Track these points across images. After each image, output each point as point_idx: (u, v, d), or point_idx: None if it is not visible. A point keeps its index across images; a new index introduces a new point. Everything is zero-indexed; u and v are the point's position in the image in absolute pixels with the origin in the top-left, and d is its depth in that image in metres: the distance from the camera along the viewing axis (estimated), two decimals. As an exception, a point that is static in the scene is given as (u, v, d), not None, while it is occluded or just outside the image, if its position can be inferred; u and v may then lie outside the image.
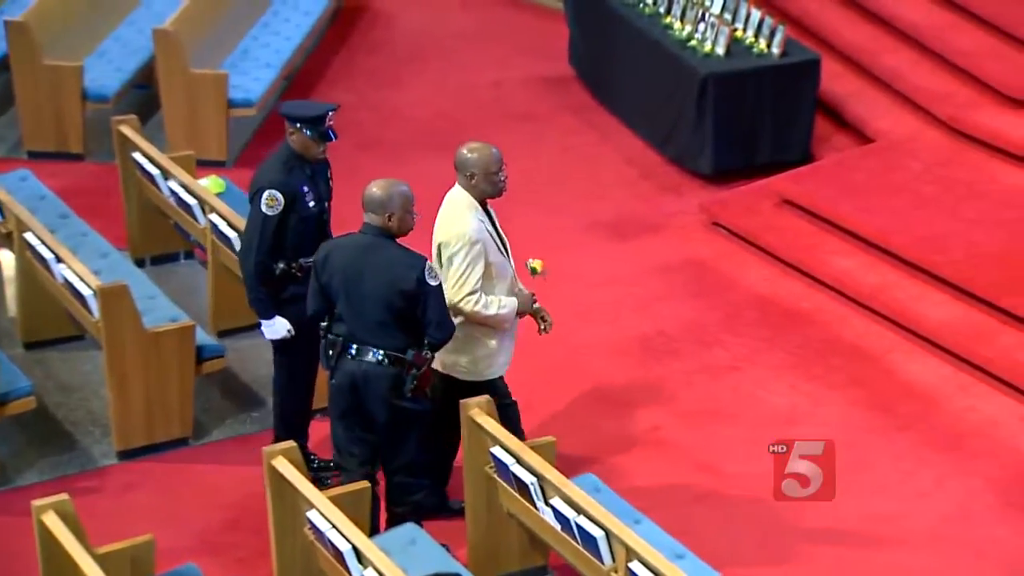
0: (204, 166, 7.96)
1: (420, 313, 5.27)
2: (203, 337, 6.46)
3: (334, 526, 4.80)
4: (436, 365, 5.53)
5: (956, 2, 8.86)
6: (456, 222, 5.48)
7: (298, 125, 5.74)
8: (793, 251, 7.72)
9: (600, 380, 6.90)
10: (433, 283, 5.26)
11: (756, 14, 8.67)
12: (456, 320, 5.46)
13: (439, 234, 5.55)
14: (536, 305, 5.70)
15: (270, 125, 9.01)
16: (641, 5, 9.20)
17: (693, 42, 8.70)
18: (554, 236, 8.07)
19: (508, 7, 11.08)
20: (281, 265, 5.79)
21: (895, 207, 7.66)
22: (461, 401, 5.41)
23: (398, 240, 5.34)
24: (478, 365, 5.61)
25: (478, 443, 5.37)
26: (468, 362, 5.61)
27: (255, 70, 9.07)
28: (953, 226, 7.41)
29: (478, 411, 5.34)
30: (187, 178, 7.12)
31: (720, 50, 8.55)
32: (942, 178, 7.87)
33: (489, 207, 5.61)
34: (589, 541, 4.79)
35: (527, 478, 5.10)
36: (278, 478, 5.09)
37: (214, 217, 6.79)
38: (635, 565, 4.63)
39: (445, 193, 5.64)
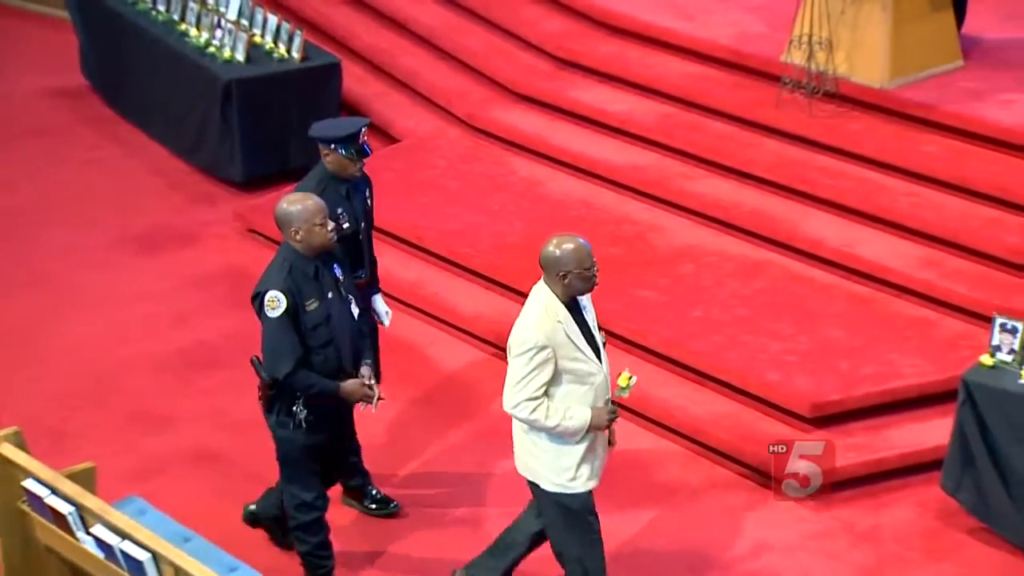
0: None
1: None
2: None
3: None
4: (523, 470, 5.12)
5: (463, 4, 9.28)
6: (524, 324, 4.94)
7: (332, 146, 5.63)
8: (329, 253, 7.80)
9: (141, 398, 6.71)
10: (268, 313, 5.12)
11: (273, 20, 8.69)
12: (524, 426, 5.03)
13: (511, 335, 5.01)
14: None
15: None
16: (153, 13, 8.99)
17: (212, 49, 8.61)
18: (83, 253, 7.76)
19: (6, 17, 10.50)
20: None
21: (425, 204, 7.91)
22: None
23: (318, 253, 5.21)
24: (561, 476, 5.05)
25: (8, 477, 5.04)
26: (551, 470, 5.05)
27: None
28: (479, 219, 7.75)
29: (5, 444, 5.02)
30: None
31: (240, 56, 8.50)
32: (465, 173, 8.21)
33: (581, 302, 5.03)
34: (134, 566, 4.63)
35: (64, 508, 4.85)
36: None
37: None
38: (186, 583, 4.52)
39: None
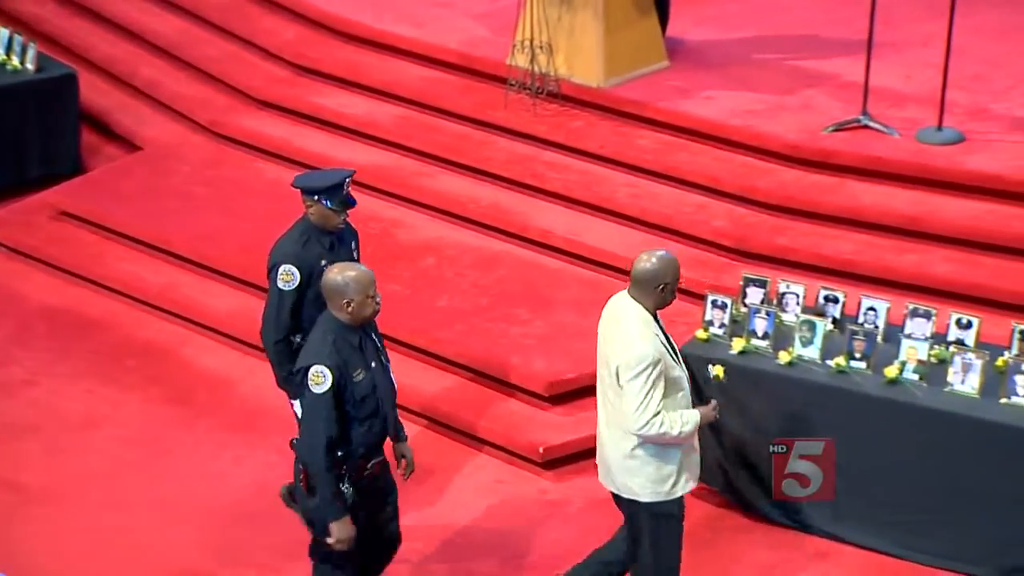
0: None
1: None
2: None
3: None
4: (614, 487, 5.12)
5: (199, 15, 9.38)
6: (635, 343, 4.95)
7: (316, 197, 5.47)
8: (77, 261, 7.83)
9: None
10: (313, 389, 4.81)
11: (4, 32, 8.64)
12: (632, 444, 5.03)
13: (615, 356, 4.99)
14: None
15: None
16: None
17: (-57, 62, 8.51)
18: None
19: None
20: (299, 339, 5.43)
21: (171, 209, 8.00)
22: None
23: (359, 324, 4.93)
24: (663, 485, 5.10)
25: None
26: (652, 481, 5.08)
27: None
28: (226, 222, 7.88)
29: None
30: None
31: (-28, 69, 8.44)
32: (211, 179, 8.33)
33: (656, 314, 5.10)
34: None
35: None
36: None
37: None
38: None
39: None
